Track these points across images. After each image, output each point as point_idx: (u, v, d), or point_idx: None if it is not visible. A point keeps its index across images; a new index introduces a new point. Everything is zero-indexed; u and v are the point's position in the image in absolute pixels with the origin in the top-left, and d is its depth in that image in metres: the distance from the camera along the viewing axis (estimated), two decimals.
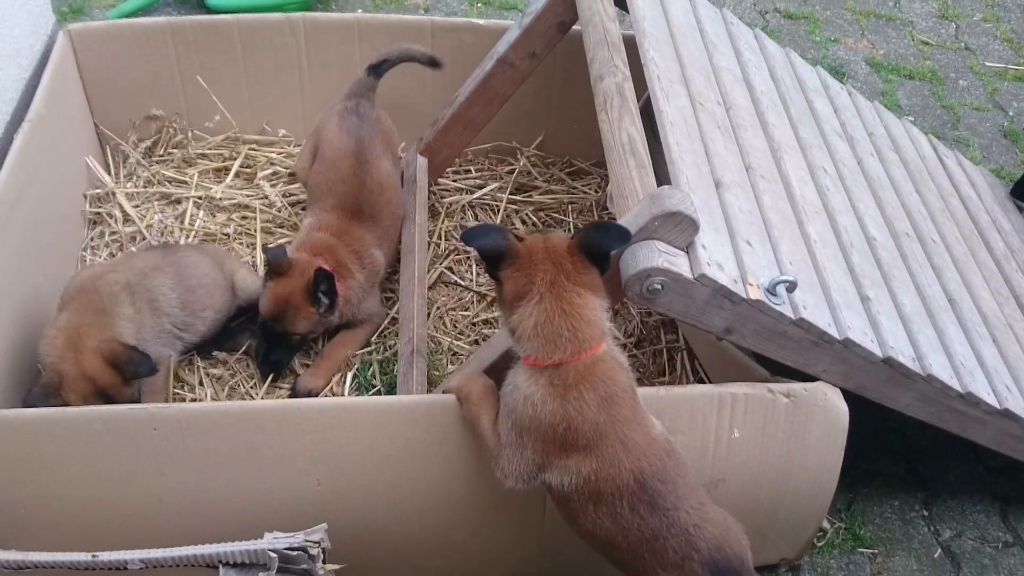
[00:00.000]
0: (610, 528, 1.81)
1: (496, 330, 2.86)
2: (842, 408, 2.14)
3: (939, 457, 2.84)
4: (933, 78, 4.42)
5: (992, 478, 2.81)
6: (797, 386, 2.14)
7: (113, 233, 3.02)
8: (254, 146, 3.34)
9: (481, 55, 3.02)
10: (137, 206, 3.11)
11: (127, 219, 3.06)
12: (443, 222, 3.21)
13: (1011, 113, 4.30)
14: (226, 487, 2.05)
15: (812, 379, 2.17)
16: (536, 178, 3.41)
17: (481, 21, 3.20)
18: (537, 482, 1.87)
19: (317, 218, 2.82)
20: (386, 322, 2.90)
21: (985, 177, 3.54)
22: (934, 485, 2.78)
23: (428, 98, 3.30)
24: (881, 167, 2.94)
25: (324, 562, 1.85)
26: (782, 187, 2.42)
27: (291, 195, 3.21)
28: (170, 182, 3.20)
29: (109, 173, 3.18)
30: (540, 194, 3.36)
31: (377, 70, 3.02)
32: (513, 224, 3.25)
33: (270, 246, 2.67)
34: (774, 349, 2.09)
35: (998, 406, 2.36)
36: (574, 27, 2.83)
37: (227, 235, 3.08)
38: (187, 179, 3.21)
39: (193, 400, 2.65)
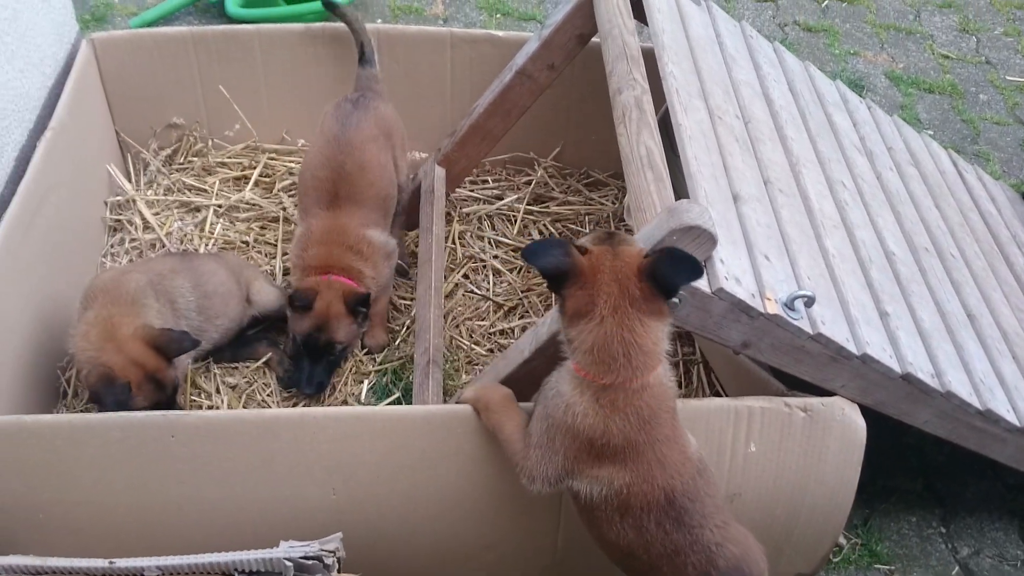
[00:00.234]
0: (633, 539, 1.81)
1: (512, 341, 2.87)
2: (860, 423, 2.13)
3: (957, 474, 2.82)
4: (953, 92, 4.40)
5: (1011, 495, 2.79)
6: (814, 401, 2.13)
7: (133, 240, 3.05)
8: (273, 155, 3.36)
9: (500, 66, 3.03)
10: (157, 214, 3.14)
11: (147, 226, 3.09)
12: (459, 231, 3.22)
13: None
14: (242, 495, 2.05)
15: (829, 394, 2.16)
16: (553, 189, 3.42)
17: (500, 33, 3.22)
18: (563, 487, 1.87)
19: (304, 228, 2.81)
20: (403, 331, 2.91)
21: (1005, 192, 3.52)
22: (952, 502, 2.76)
23: (446, 109, 3.31)
24: (900, 181, 2.93)
25: (339, 571, 1.85)
26: (800, 201, 2.41)
27: None
28: (190, 190, 3.23)
29: (130, 181, 3.21)
30: (557, 205, 3.37)
31: (363, 59, 3.04)
32: (530, 234, 3.25)
33: (296, 293, 2.68)
34: (792, 364, 2.08)
35: (1018, 424, 2.34)
36: (593, 39, 2.83)
37: (246, 243, 3.10)
38: (207, 187, 3.23)
39: (210, 408, 2.66)
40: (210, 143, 3.33)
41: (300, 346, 2.70)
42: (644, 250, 1.79)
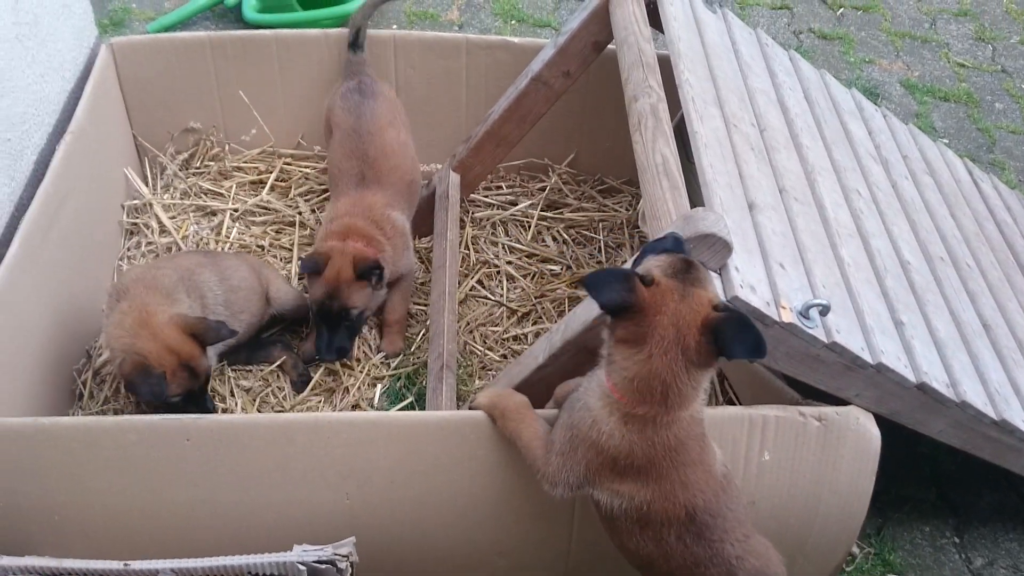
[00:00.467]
0: (652, 551, 1.82)
1: (526, 347, 2.87)
2: (874, 433, 2.13)
3: (971, 483, 2.81)
4: (969, 100, 4.38)
5: None
6: (829, 410, 2.12)
7: (149, 243, 3.07)
8: (289, 160, 3.38)
9: (515, 72, 3.04)
10: (173, 217, 3.15)
11: (163, 230, 3.11)
12: (473, 237, 3.23)
13: None
14: (256, 499, 2.06)
15: (844, 403, 2.16)
16: (567, 195, 3.42)
17: (515, 39, 3.23)
18: (584, 492, 1.87)
19: (333, 207, 2.91)
20: (418, 338, 2.93)
21: (1021, 201, 3.50)
22: (965, 512, 2.75)
23: (461, 115, 3.32)
24: (915, 190, 2.92)
25: (352, 575, 1.86)
26: (816, 210, 2.41)
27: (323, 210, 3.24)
28: (206, 194, 3.25)
29: (147, 184, 3.23)
30: (571, 211, 3.37)
31: (356, 44, 3.10)
32: (543, 241, 3.26)
33: (307, 256, 2.73)
34: (806, 372, 2.08)
35: None
36: (608, 46, 2.84)
37: (262, 247, 3.12)
38: (223, 191, 3.25)
39: (224, 411, 2.67)
40: (227, 147, 3.35)
41: (315, 313, 2.73)
42: (715, 299, 1.73)
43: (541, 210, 3.34)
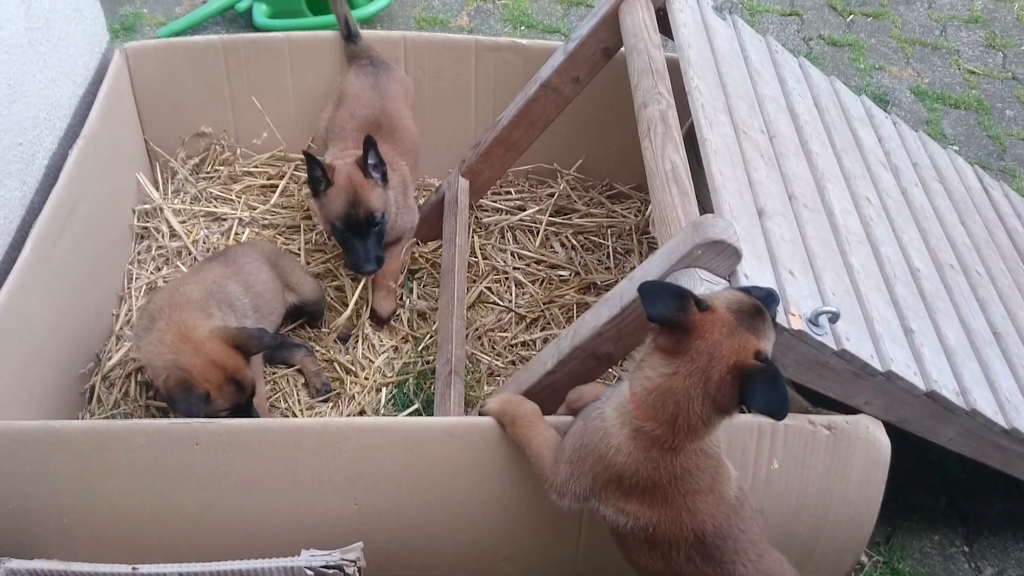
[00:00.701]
0: (662, 568, 1.81)
1: (534, 353, 2.87)
2: (884, 442, 2.12)
3: (980, 492, 2.80)
4: (979, 107, 4.37)
5: None
6: (838, 418, 2.11)
7: (160, 248, 3.08)
8: (299, 163, 3.39)
9: (524, 75, 3.04)
10: (184, 222, 3.17)
11: (173, 234, 3.12)
12: (481, 243, 3.23)
13: None
14: (265, 503, 2.07)
15: (853, 411, 2.15)
16: (576, 201, 3.42)
17: (524, 41, 3.23)
18: (591, 504, 1.87)
19: (337, 147, 2.92)
20: (427, 340, 2.93)
21: None
22: (975, 521, 2.74)
23: (471, 121, 3.33)
24: (925, 197, 2.91)
25: None
26: (825, 217, 2.41)
27: None
28: (216, 199, 3.26)
29: (157, 189, 3.24)
30: (580, 217, 3.37)
31: (351, 35, 3.14)
32: (552, 247, 3.26)
33: (309, 177, 2.76)
34: (815, 380, 2.08)
35: None
36: (618, 52, 2.84)
37: (274, 243, 3.12)
38: (233, 197, 3.26)
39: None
40: (238, 151, 3.36)
41: (342, 229, 2.74)
42: (763, 351, 1.69)
43: (550, 216, 3.34)
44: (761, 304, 1.73)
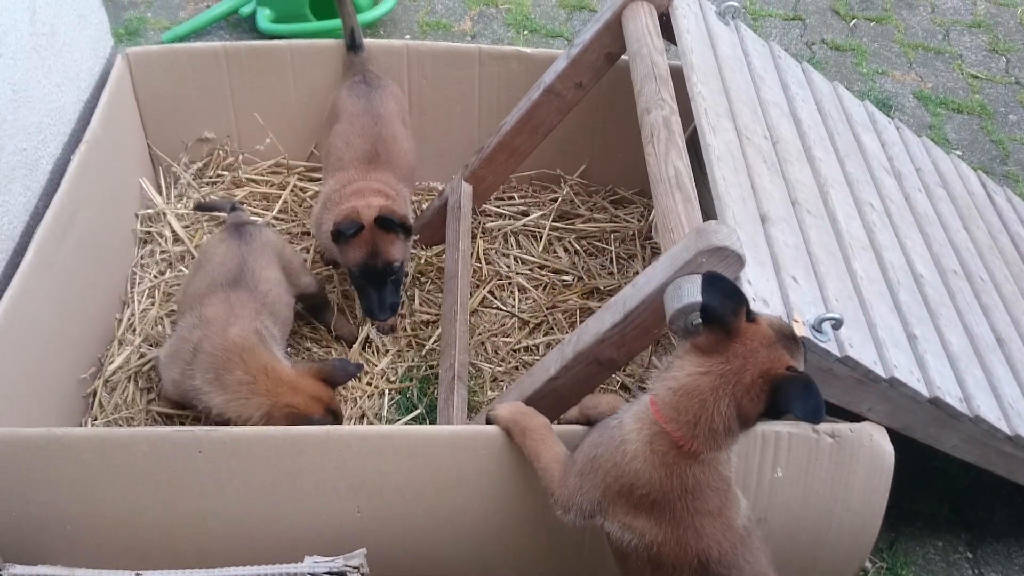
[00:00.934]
0: None
1: (537, 358, 2.87)
2: (888, 449, 2.12)
3: (984, 498, 2.79)
4: (982, 112, 4.37)
5: None
6: (842, 426, 2.11)
7: (163, 252, 3.08)
8: (301, 170, 3.39)
9: (527, 83, 3.04)
10: (187, 226, 3.17)
11: (176, 239, 3.12)
12: (484, 247, 3.23)
13: None
14: (268, 510, 2.07)
15: (857, 418, 2.15)
16: (579, 206, 3.42)
17: (528, 50, 3.23)
18: (595, 522, 1.86)
19: (338, 178, 2.89)
20: (430, 343, 2.93)
21: None
22: (979, 527, 2.73)
23: (474, 126, 3.33)
24: (929, 203, 2.91)
25: None
26: (828, 222, 2.40)
27: None
28: None
29: (160, 194, 3.25)
30: (583, 222, 3.37)
31: (355, 45, 3.13)
32: (555, 252, 3.26)
33: (341, 223, 2.68)
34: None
35: None
36: (621, 57, 2.84)
37: None
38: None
39: None
40: (240, 157, 3.36)
41: (359, 276, 2.73)
42: (794, 366, 1.71)
43: (553, 221, 3.34)
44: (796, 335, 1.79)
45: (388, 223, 2.67)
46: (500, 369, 2.88)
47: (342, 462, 2.04)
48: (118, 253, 2.99)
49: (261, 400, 2.32)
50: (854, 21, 4.87)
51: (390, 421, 2.74)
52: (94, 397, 2.70)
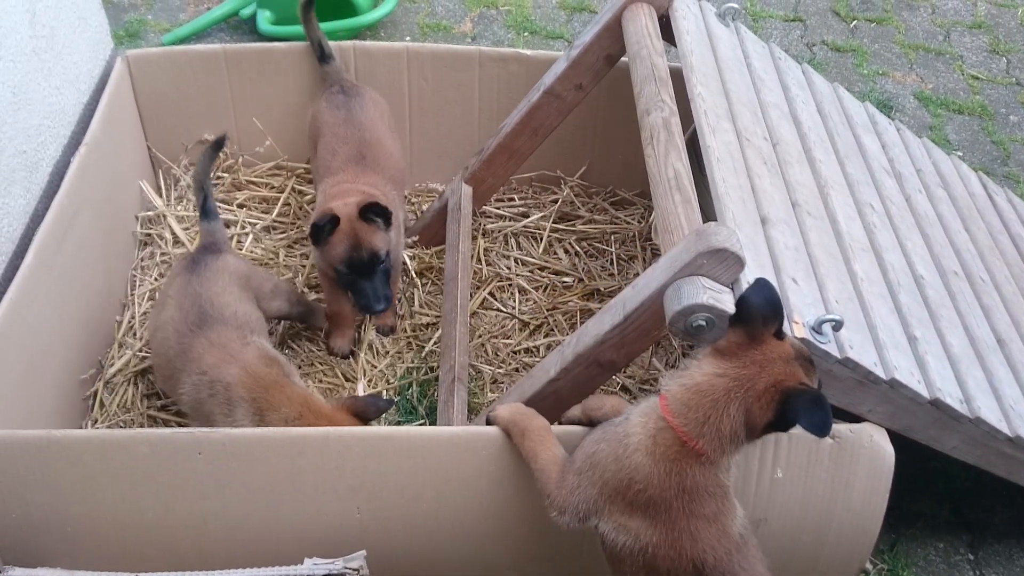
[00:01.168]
0: None
1: (538, 360, 2.87)
2: (888, 450, 2.11)
3: (985, 499, 2.79)
4: (983, 113, 4.36)
5: None
6: (842, 427, 2.11)
7: (163, 254, 3.08)
8: (301, 172, 3.39)
9: (527, 85, 3.04)
10: (187, 229, 3.17)
11: (177, 241, 3.12)
12: (484, 248, 3.23)
13: None
14: (268, 512, 2.07)
15: (857, 419, 2.14)
16: (579, 208, 3.42)
17: (528, 52, 3.23)
18: (590, 524, 1.85)
19: (329, 182, 2.87)
20: (431, 344, 2.93)
21: None
22: (980, 528, 2.73)
23: (474, 127, 3.33)
24: (929, 204, 2.91)
25: None
26: (828, 224, 2.40)
27: None
28: (219, 205, 3.25)
29: (160, 196, 3.25)
30: (583, 223, 3.37)
31: (324, 56, 3.12)
32: (555, 254, 3.26)
33: (316, 220, 2.64)
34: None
35: None
36: (621, 59, 2.84)
37: (273, 260, 3.13)
38: (235, 207, 3.27)
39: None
40: (240, 159, 3.36)
41: (346, 272, 2.68)
42: (809, 383, 1.74)
43: (553, 222, 3.34)
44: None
45: (366, 212, 2.64)
46: (500, 371, 2.88)
47: (342, 463, 2.04)
48: (118, 255, 2.99)
49: None
50: (854, 22, 4.87)
51: (391, 424, 2.73)
52: (94, 400, 2.70)
